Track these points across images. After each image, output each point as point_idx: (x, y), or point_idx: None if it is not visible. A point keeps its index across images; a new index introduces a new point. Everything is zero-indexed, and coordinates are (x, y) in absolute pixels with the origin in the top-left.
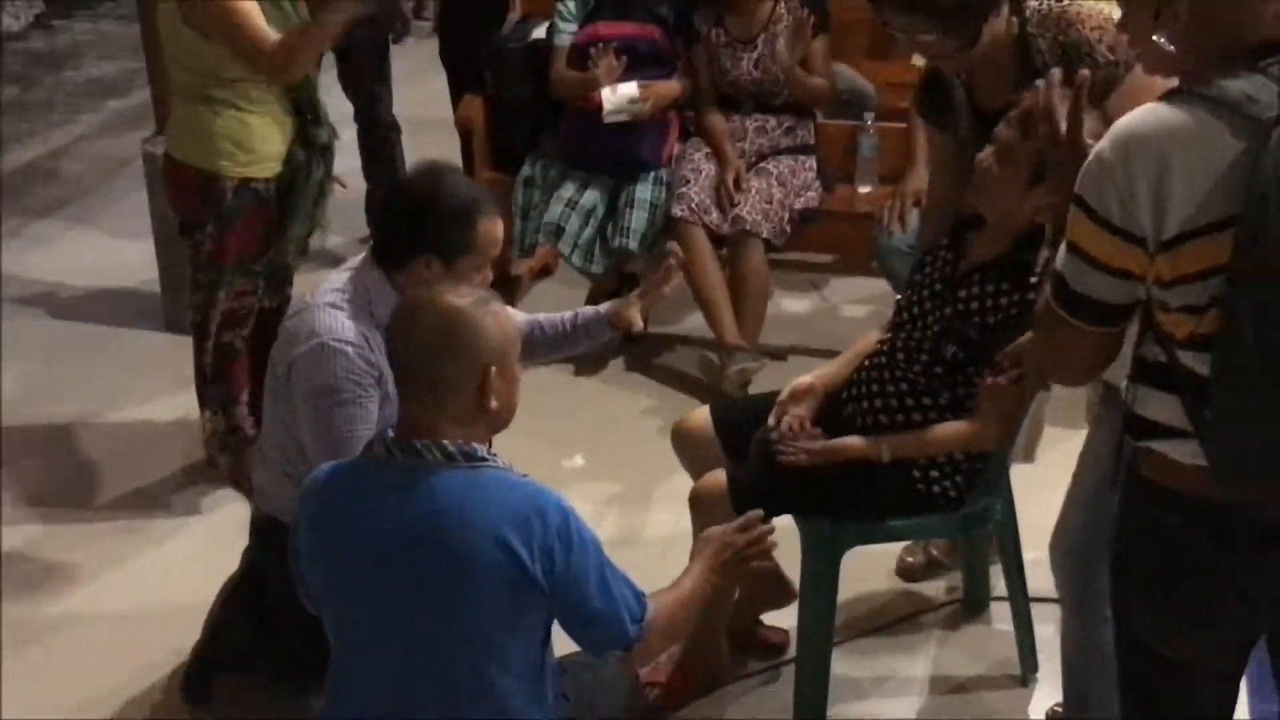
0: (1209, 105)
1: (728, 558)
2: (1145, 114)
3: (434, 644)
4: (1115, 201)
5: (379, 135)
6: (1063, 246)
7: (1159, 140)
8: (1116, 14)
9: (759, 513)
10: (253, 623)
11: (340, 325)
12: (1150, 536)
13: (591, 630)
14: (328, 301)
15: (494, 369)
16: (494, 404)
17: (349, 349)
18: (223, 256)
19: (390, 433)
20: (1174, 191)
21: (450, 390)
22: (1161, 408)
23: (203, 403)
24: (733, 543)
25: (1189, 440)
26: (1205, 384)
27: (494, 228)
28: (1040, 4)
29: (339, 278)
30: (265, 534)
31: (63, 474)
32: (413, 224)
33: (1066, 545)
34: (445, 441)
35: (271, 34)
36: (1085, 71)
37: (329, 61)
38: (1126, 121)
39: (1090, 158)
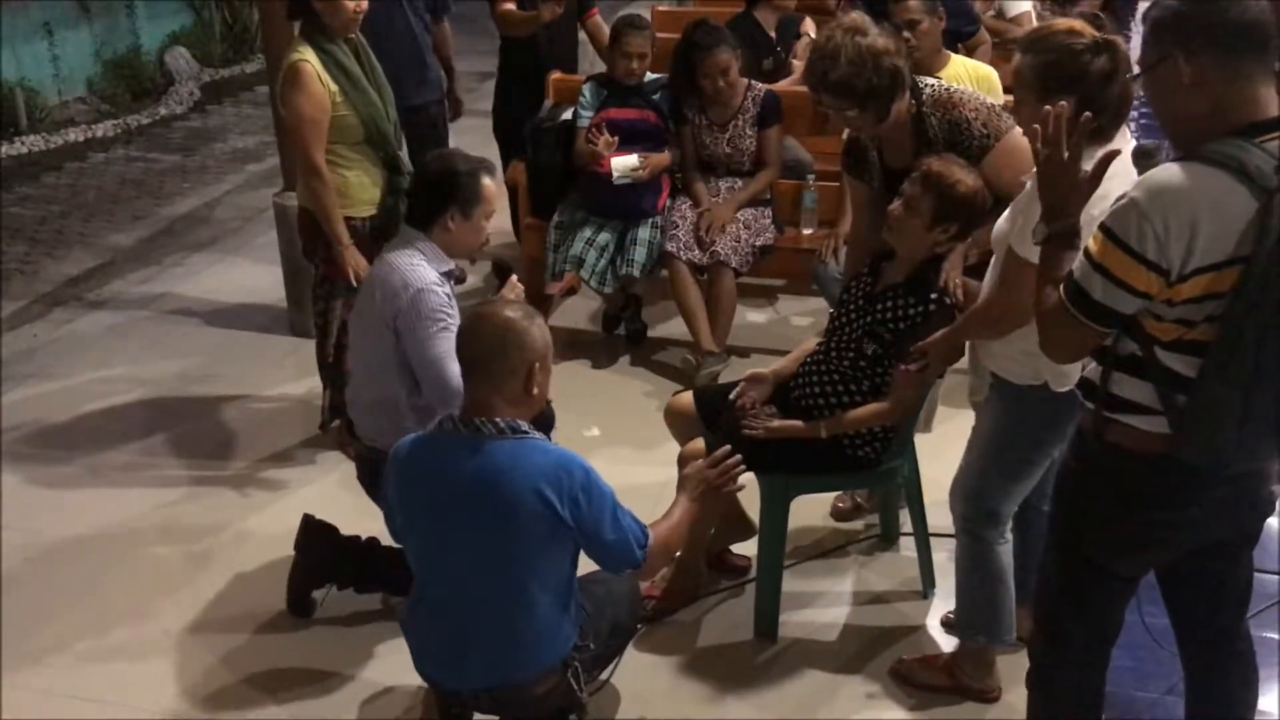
0: (1227, 169)
1: (704, 488)
2: (1176, 172)
3: (489, 567)
4: (1152, 240)
5: None
6: (1084, 266)
7: (1191, 194)
8: (989, 99)
9: (727, 448)
10: (327, 550)
11: (426, 274)
12: (1116, 485)
13: (608, 555)
14: (408, 262)
15: (538, 365)
16: (536, 391)
17: (437, 288)
18: (333, 274)
19: (456, 413)
20: (1200, 235)
21: (505, 379)
22: (1133, 391)
23: (324, 383)
24: (705, 476)
25: (1155, 416)
26: (1180, 378)
27: (494, 184)
28: (932, 90)
29: (400, 249)
30: (366, 461)
31: (216, 439)
32: (438, 189)
33: (963, 490)
34: (497, 419)
35: (321, 155)
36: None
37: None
38: (1161, 177)
39: (1125, 203)
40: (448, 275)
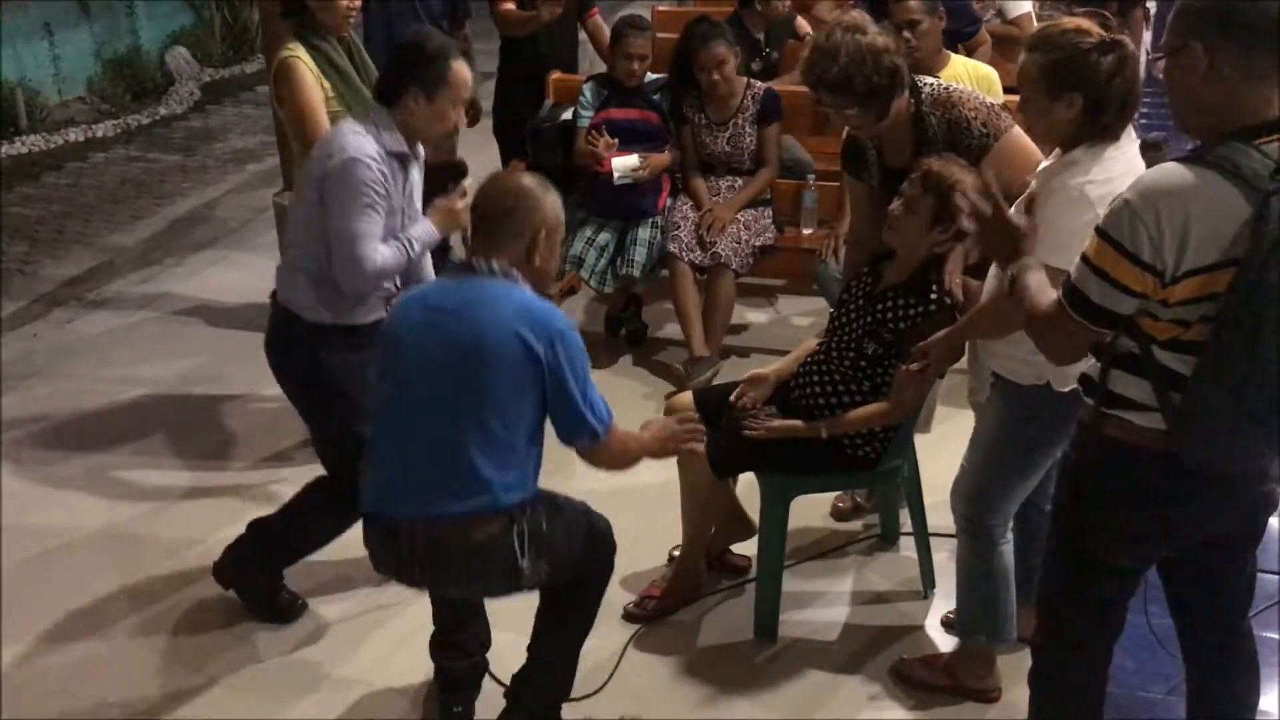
0: (1221, 171)
1: (665, 436)
2: (1170, 173)
3: (453, 392)
4: (1146, 241)
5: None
6: (1081, 269)
7: (1184, 195)
8: (988, 98)
9: (694, 415)
10: (237, 571)
11: (364, 145)
12: (1115, 479)
13: (569, 413)
14: (352, 129)
15: (543, 233)
16: (537, 261)
17: (372, 163)
18: None
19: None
20: (1192, 237)
21: (510, 237)
22: (1131, 388)
23: None
24: (668, 424)
25: (1151, 412)
26: (1176, 376)
27: (463, 69)
28: (931, 89)
29: (358, 117)
30: (280, 322)
31: (216, 439)
32: (403, 65)
33: (964, 490)
34: (493, 260)
35: (326, 126)
36: (990, 173)
37: None
38: (1153, 177)
39: (1118, 205)
40: (398, 156)
